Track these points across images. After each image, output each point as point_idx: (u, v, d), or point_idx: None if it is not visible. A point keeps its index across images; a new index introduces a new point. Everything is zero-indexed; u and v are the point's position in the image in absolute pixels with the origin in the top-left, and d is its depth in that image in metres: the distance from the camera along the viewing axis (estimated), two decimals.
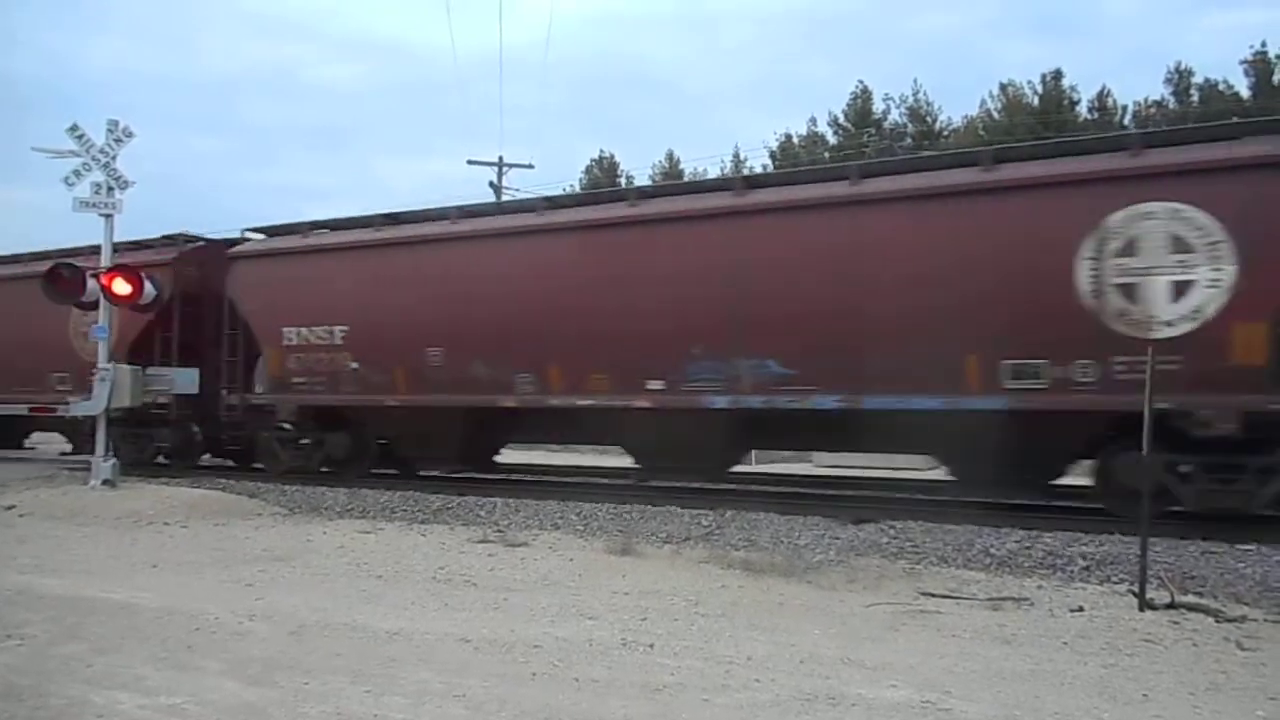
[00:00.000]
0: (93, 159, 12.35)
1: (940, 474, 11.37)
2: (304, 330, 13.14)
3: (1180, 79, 31.41)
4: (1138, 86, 50.34)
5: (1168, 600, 6.26)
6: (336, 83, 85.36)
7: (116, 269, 12.49)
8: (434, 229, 12.77)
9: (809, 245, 10.02)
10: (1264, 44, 29.57)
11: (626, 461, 13.11)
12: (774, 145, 36.79)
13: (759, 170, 32.66)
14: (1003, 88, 33.07)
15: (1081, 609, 6.26)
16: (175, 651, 5.04)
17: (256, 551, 8.59)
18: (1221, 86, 30.15)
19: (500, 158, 33.87)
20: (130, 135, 12.55)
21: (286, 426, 13.59)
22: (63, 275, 12.88)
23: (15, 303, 15.29)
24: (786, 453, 17.64)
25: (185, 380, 13.26)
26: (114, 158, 12.44)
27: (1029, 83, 32.74)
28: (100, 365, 12.37)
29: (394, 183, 76.78)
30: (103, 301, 12.46)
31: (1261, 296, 7.66)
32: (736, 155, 37.52)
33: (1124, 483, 8.62)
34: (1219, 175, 8.29)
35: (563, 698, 4.30)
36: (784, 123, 63.18)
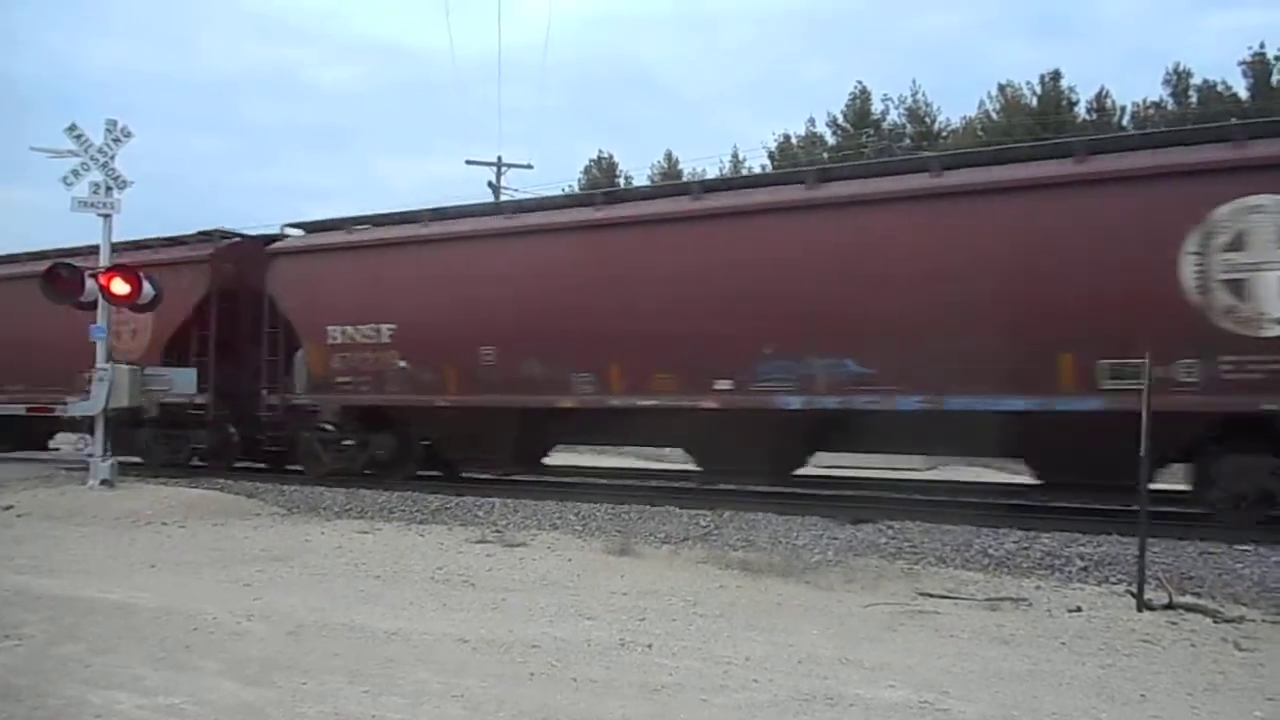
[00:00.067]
0: (91, 159, 12.36)
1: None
2: (349, 328, 12.83)
3: (1179, 80, 31.42)
4: (1137, 88, 50.37)
5: (1166, 601, 6.27)
6: (336, 83, 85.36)
7: (115, 269, 12.47)
8: (486, 224, 12.52)
9: (889, 240, 9.71)
10: (1262, 45, 29.62)
11: (623, 462, 13.14)
12: (772, 146, 36.84)
13: (757, 170, 32.68)
14: (1001, 89, 33.09)
15: (1079, 609, 6.27)
16: (173, 651, 5.04)
17: (255, 551, 8.59)
18: (1220, 88, 30.16)
19: (499, 158, 33.88)
20: (128, 135, 12.56)
21: (328, 427, 13.32)
22: (61, 275, 12.86)
23: (45, 302, 15.16)
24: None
25: (184, 381, 13.22)
26: (112, 158, 12.44)
27: (1027, 84, 32.78)
28: (98, 365, 12.35)
29: (394, 183, 76.78)
30: (101, 301, 12.44)
31: None
32: (735, 156, 37.55)
33: (1227, 486, 8.45)
34: None
35: (561, 698, 4.30)
36: (783, 124, 63.23)
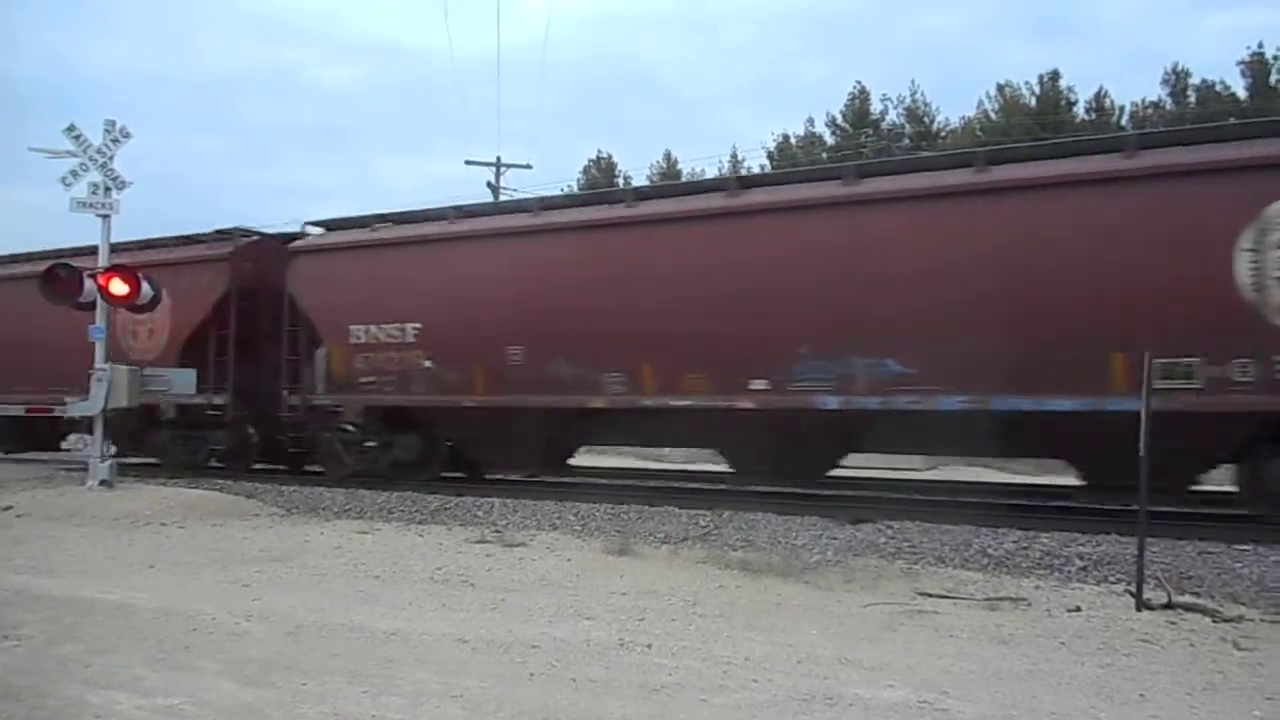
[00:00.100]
0: (90, 159, 12.36)
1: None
2: (373, 328, 12.63)
3: (1177, 80, 31.43)
4: (1136, 88, 50.37)
5: (1165, 600, 6.28)
6: (336, 83, 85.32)
7: (114, 269, 12.47)
8: (514, 222, 12.32)
9: (931, 236, 9.51)
10: (1260, 45, 29.62)
11: (621, 462, 13.12)
12: (771, 146, 36.85)
13: (756, 170, 32.69)
14: (1000, 88, 33.10)
15: (1079, 609, 6.27)
16: (172, 652, 5.03)
17: (254, 552, 8.58)
18: (1219, 87, 30.17)
19: (498, 158, 33.91)
20: (127, 135, 12.56)
21: (349, 428, 13.09)
22: (60, 276, 12.86)
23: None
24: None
25: (183, 381, 13.20)
26: (111, 158, 12.44)
27: (1026, 83, 32.80)
28: (97, 365, 12.34)
29: (394, 183, 76.74)
30: (100, 302, 12.44)
31: None
32: (734, 156, 37.56)
33: (1277, 489, 8.37)
34: None
35: (560, 698, 4.30)
36: (782, 124, 63.12)
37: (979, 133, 31.37)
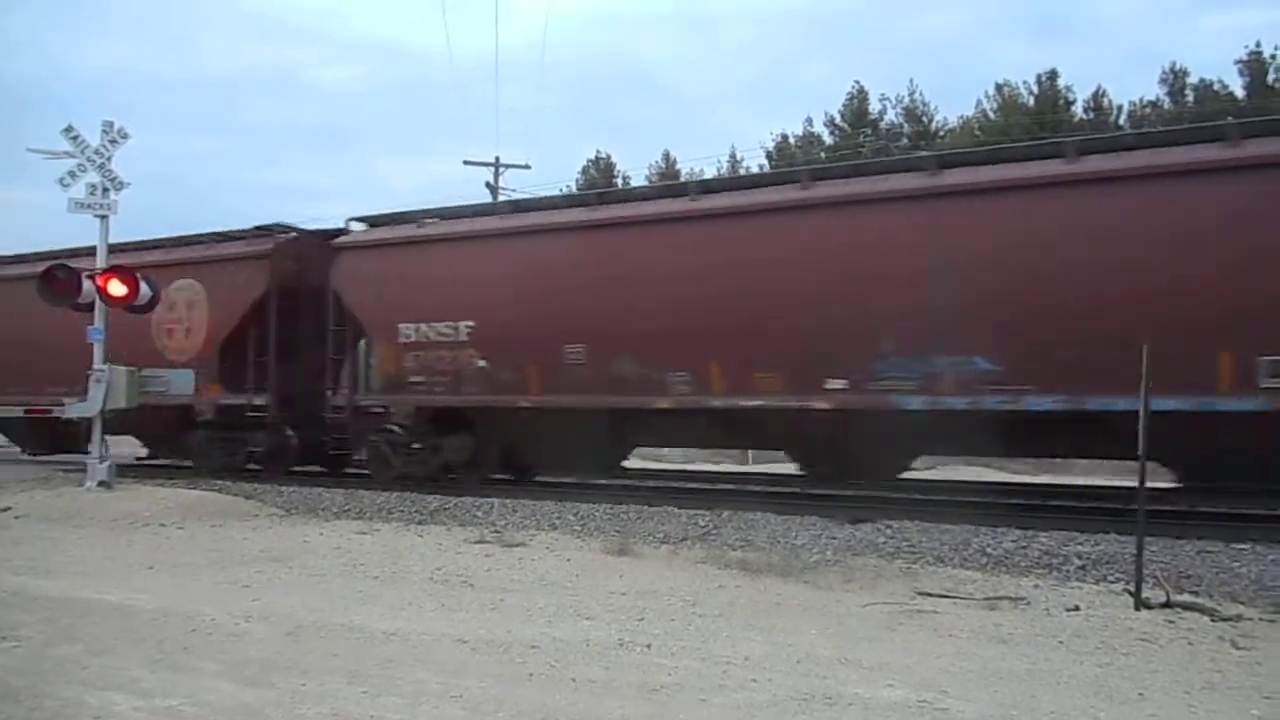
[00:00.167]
0: (88, 160, 12.35)
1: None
2: (424, 326, 12.31)
3: (1175, 79, 31.45)
4: (1135, 87, 50.40)
5: (1163, 599, 6.28)
6: (336, 83, 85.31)
7: (112, 270, 12.46)
8: (571, 217, 12.02)
9: (1020, 231, 9.20)
10: (1258, 44, 29.65)
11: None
12: (770, 146, 36.87)
13: (756, 170, 32.69)
14: (998, 88, 33.13)
15: (1078, 608, 6.27)
16: (171, 653, 5.03)
17: (253, 552, 8.58)
18: (1216, 86, 30.20)
19: (497, 158, 33.90)
20: (125, 136, 12.55)
21: (395, 429, 12.77)
22: (58, 277, 12.84)
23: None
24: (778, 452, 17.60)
25: (182, 381, 13.19)
26: (109, 159, 12.43)
27: (1024, 83, 32.82)
28: (95, 366, 12.33)
29: (394, 183, 76.76)
30: (98, 303, 12.42)
31: None
32: (733, 156, 37.59)
33: None
34: None
35: (560, 698, 4.30)
36: (783, 124, 63.13)
37: (978, 132, 31.39)
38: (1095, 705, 4.26)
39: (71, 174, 12.42)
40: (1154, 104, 31.41)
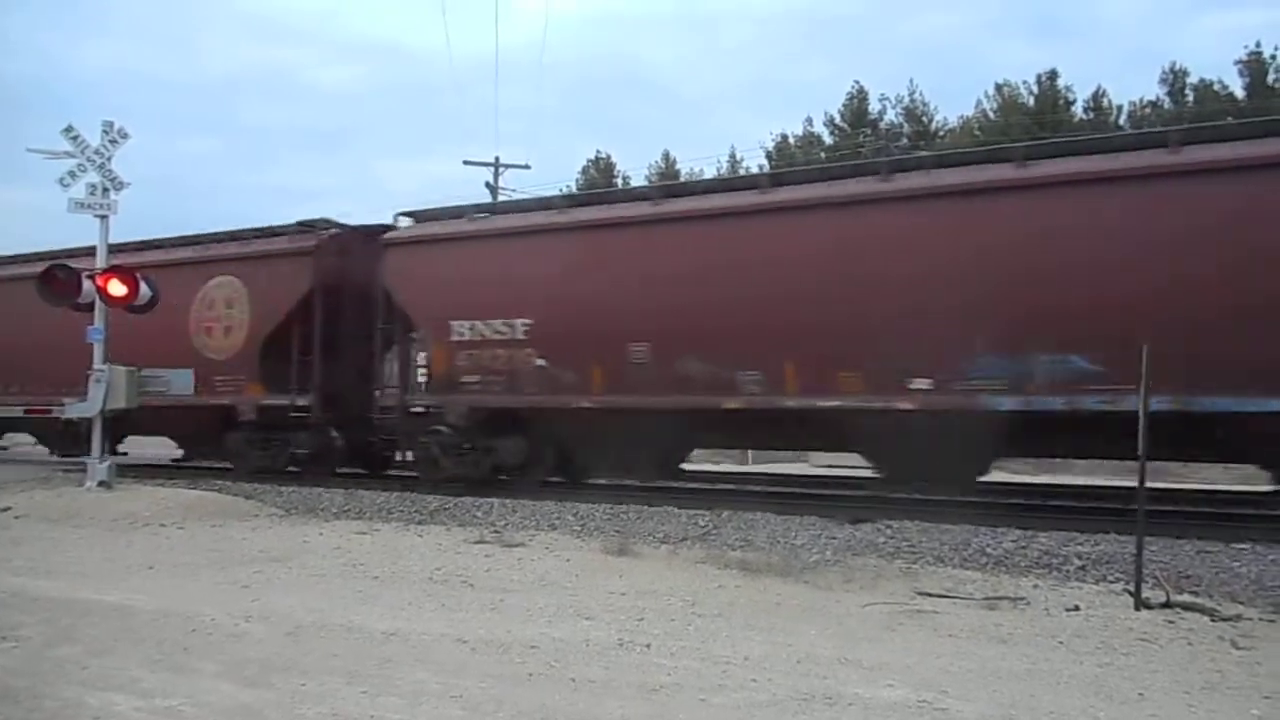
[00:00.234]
0: (88, 160, 12.35)
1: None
2: (478, 324, 11.94)
3: (1175, 79, 31.46)
4: (1135, 87, 50.41)
5: (1163, 599, 6.28)
6: (335, 84, 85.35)
7: (112, 270, 12.46)
8: (634, 211, 11.63)
9: (1118, 223, 8.86)
10: (1258, 44, 29.66)
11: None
12: (770, 146, 36.90)
13: (754, 170, 32.70)
14: (998, 88, 33.15)
15: (1077, 608, 6.27)
16: (171, 653, 5.03)
17: (253, 553, 8.57)
18: (1216, 86, 30.20)
19: (496, 158, 33.91)
20: (125, 136, 12.56)
21: (445, 430, 12.36)
22: (58, 277, 12.84)
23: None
24: (784, 453, 17.64)
25: (181, 381, 13.16)
26: (109, 159, 12.44)
27: (1024, 83, 32.84)
28: (95, 366, 12.33)
29: (393, 184, 76.77)
30: (98, 303, 12.42)
31: None
32: (733, 156, 37.61)
33: None
34: None
35: (559, 698, 4.30)
36: (782, 124, 63.16)
37: (977, 132, 31.40)
38: (1095, 705, 4.26)
39: (71, 174, 12.43)
40: (1154, 104, 31.43)
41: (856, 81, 36.10)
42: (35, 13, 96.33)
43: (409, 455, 13.54)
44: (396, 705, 4.20)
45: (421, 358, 12.85)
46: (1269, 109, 22.78)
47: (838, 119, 35.63)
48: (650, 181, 33.62)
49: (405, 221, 13.52)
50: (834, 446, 12.66)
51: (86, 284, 12.40)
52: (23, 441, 18.73)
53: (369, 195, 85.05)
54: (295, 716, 4.07)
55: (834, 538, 8.68)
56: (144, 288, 12.60)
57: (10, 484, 12.92)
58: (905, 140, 33.56)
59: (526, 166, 35.17)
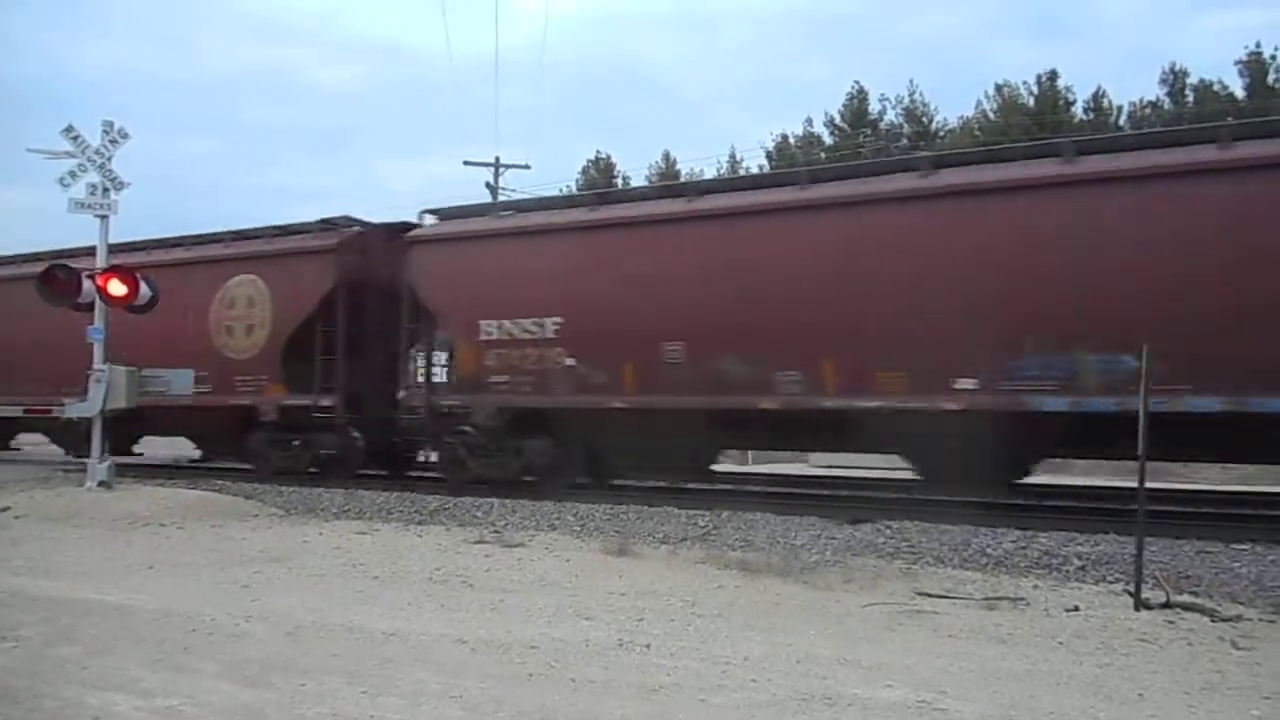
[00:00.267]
0: (88, 160, 12.35)
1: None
2: (507, 323, 11.80)
3: (1175, 79, 31.48)
4: (1135, 87, 50.46)
5: (1163, 600, 6.28)
6: (335, 84, 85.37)
7: (112, 269, 12.45)
8: (668, 208, 11.45)
9: (1168, 218, 8.66)
10: (1258, 44, 29.67)
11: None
12: (770, 146, 36.92)
13: (755, 170, 32.70)
14: (998, 88, 33.16)
15: (1077, 608, 6.27)
16: (171, 653, 5.03)
17: (253, 553, 8.58)
18: (1216, 87, 30.22)
19: (496, 159, 33.92)
20: (125, 136, 12.56)
21: (472, 431, 12.21)
22: (58, 277, 12.84)
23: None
24: (784, 453, 17.63)
25: (181, 381, 13.14)
26: (109, 159, 12.43)
27: (1024, 83, 32.86)
28: (95, 366, 12.33)
29: (393, 184, 76.78)
30: (98, 303, 12.42)
31: None
32: (733, 156, 37.66)
33: None
34: None
35: (559, 698, 4.30)
36: (782, 124, 63.14)
37: (977, 133, 31.41)
38: (1095, 705, 4.26)
39: (72, 174, 12.42)
40: (1154, 104, 31.45)
41: (856, 82, 36.17)
42: (35, 13, 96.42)
43: (433, 456, 13.42)
44: (396, 705, 4.20)
45: (445, 357, 12.75)
46: (1269, 109, 22.78)
47: (838, 119, 35.66)
48: (650, 181, 33.63)
49: (430, 219, 13.40)
50: (873, 448, 12.48)
51: (86, 284, 12.40)
52: (38, 441, 18.72)
53: (369, 195, 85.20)
54: (295, 716, 4.07)
55: (834, 538, 8.69)
56: (144, 287, 12.59)
57: (10, 484, 12.92)
58: (905, 140, 33.56)
59: (527, 167, 35.24)
